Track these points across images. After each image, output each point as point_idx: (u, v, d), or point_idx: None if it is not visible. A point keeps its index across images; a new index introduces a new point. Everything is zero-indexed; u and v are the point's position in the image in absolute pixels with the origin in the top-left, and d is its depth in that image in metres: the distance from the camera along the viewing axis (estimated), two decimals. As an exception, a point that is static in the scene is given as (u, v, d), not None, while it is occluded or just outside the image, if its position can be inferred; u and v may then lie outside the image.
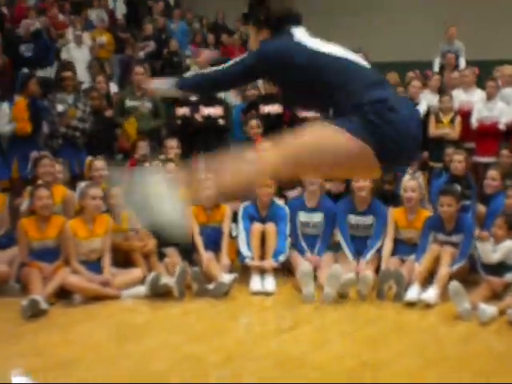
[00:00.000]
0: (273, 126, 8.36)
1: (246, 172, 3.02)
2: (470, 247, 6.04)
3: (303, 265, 5.94)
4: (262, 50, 3.12)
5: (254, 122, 8.15)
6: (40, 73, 10.27)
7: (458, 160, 7.28)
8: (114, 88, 10.11)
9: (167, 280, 5.79)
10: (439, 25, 12.02)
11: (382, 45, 13.94)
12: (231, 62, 3.16)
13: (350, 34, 14.32)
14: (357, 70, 3.05)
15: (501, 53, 12.59)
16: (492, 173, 7.02)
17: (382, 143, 2.88)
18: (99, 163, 6.92)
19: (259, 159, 3.05)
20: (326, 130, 2.94)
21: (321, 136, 2.94)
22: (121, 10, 15.23)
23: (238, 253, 6.42)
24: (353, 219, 6.49)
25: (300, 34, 3.13)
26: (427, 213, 6.48)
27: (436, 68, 11.24)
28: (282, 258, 6.29)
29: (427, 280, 5.88)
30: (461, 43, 11.41)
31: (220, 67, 3.16)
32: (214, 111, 8.43)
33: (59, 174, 6.89)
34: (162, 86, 3.32)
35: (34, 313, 5.28)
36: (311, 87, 3.04)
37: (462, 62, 11.08)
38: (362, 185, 6.39)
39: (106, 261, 5.97)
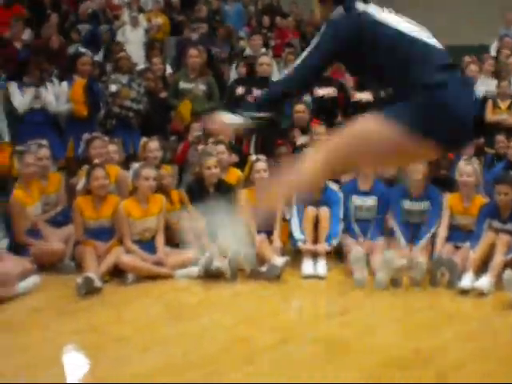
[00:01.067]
0: (327, 109, 8.33)
1: (296, 184, 3.12)
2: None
3: (355, 249, 5.91)
4: (337, 30, 3.02)
5: (299, 107, 8.08)
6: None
7: (515, 147, 7.16)
8: (168, 70, 10.15)
9: (220, 263, 5.82)
10: (492, 9, 11.76)
11: (432, 28, 13.71)
12: (305, 55, 3.01)
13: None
14: (426, 51, 3.02)
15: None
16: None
17: (434, 128, 2.89)
18: (153, 144, 6.97)
19: (308, 165, 3.05)
20: (374, 123, 2.95)
21: (368, 130, 2.96)
22: (176, -8, 15.26)
23: (291, 236, 6.42)
24: (407, 204, 6.42)
25: (364, 6, 3.07)
26: (483, 199, 6.38)
27: (493, 52, 11.02)
28: (334, 242, 6.27)
29: (482, 268, 5.80)
30: None
31: (296, 66, 3.01)
32: (266, 93, 8.38)
33: (114, 155, 6.97)
34: (235, 121, 3.02)
35: (89, 290, 5.36)
36: (380, 63, 3.01)
37: None
38: (417, 168, 6.31)
39: (160, 240, 6.03)
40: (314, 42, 3.03)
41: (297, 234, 6.29)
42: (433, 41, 3.10)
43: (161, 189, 6.31)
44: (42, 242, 6.03)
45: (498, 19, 11.42)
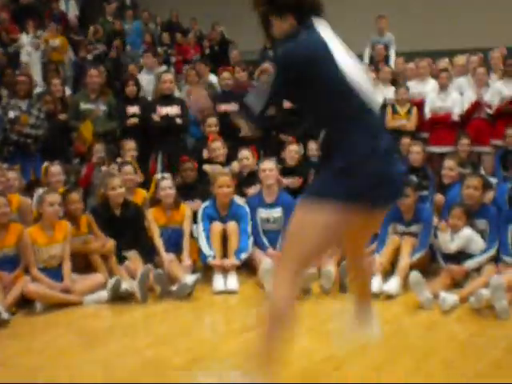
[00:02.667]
0: (230, 125, 8.34)
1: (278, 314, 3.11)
2: (429, 237, 6.11)
3: (264, 261, 5.94)
4: (289, 58, 3.04)
5: (211, 120, 8.16)
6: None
7: (416, 151, 7.35)
8: (68, 91, 10.00)
9: (128, 285, 5.76)
10: (369, 16, 11.92)
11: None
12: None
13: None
14: (362, 115, 3.04)
15: (427, 44, 12.75)
16: (449, 162, 7.09)
17: (364, 196, 2.99)
18: (55, 168, 6.84)
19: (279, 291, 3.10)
20: (303, 216, 3.04)
21: (302, 226, 3.03)
22: (73, 12, 15.10)
23: (200, 253, 6.39)
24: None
25: (323, 31, 3.09)
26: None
27: (366, 60, 11.17)
28: (243, 255, 6.28)
29: (388, 271, 5.94)
30: (391, 35, 11.31)
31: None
32: (172, 110, 8.38)
33: (14, 182, 6.78)
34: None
35: (-4, 323, 5.20)
36: (319, 105, 3.04)
37: (392, 54, 11.07)
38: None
39: (67, 267, 5.89)
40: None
41: (206, 250, 6.28)
42: (370, 96, 3.11)
43: (68, 214, 6.19)
44: None
45: (371, 26, 11.55)
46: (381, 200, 3.12)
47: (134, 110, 8.47)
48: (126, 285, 5.75)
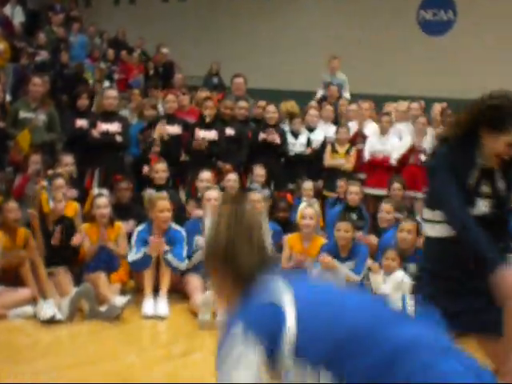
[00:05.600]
0: (171, 148, 8.29)
1: None
2: (363, 268, 6.16)
3: (206, 294, 5.79)
4: None
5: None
6: None
7: (354, 191, 7.41)
8: (8, 98, 9.75)
9: (53, 311, 5.52)
10: (322, 56, 12.04)
11: (264, 72, 14.18)
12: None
13: (232, 57, 14.46)
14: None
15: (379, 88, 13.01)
16: (386, 206, 7.14)
17: None
18: (-13, 176, 6.64)
19: None
20: None
21: None
22: (18, 19, 14.86)
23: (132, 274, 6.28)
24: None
25: None
26: (322, 240, 6.56)
27: (317, 96, 11.23)
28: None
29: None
30: (344, 76, 11.37)
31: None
32: (112, 127, 8.23)
33: None
34: None
35: None
36: None
37: (347, 95, 11.11)
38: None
39: (-7, 279, 5.70)
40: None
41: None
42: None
43: (5, 224, 5.94)
44: None
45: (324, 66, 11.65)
46: None
47: (81, 123, 8.26)
48: (50, 311, 5.52)
